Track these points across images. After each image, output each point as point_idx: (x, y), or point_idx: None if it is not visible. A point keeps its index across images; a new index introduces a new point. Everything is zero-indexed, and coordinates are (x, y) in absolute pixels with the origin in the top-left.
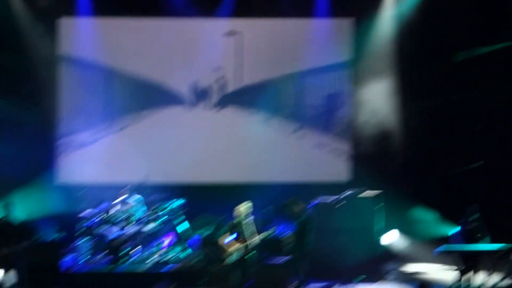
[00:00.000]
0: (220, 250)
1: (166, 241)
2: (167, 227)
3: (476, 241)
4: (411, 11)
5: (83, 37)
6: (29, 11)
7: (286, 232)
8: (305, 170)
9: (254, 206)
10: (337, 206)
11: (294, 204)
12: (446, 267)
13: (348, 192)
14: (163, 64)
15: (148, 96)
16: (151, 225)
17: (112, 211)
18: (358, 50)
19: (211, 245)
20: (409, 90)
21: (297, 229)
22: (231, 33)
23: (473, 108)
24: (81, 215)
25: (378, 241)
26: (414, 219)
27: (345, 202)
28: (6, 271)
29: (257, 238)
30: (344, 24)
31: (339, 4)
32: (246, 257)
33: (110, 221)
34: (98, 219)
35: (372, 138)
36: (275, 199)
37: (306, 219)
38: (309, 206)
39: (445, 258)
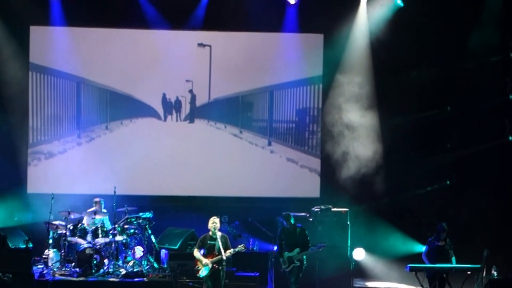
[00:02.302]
0: (190, 263)
1: (135, 253)
2: (135, 240)
3: (444, 259)
4: (381, 26)
5: (54, 46)
6: (1, 19)
7: (254, 246)
8: (275, 185)
9: (224, 220)
10: (310, 220)
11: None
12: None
13: (316, 208)
14: (133, 75)
15: (118, 107)
16: (120, 237)
17: (81, 223)
18: (329, 65)
19: (179, 258)
20: (381, 106)
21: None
22: (200, 46)
23: (443, 125)
24: (50, 225)
25: (350, 256)
26: (382, 236)
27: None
28: None
29: (227, 253)
30: (314, 40)
31: (309, 20)
32: (216, 271)
33: (79, 233)
34: (67, 230)
35: (342, 154)
36: (245, 213)
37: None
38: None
39: (414, 276)
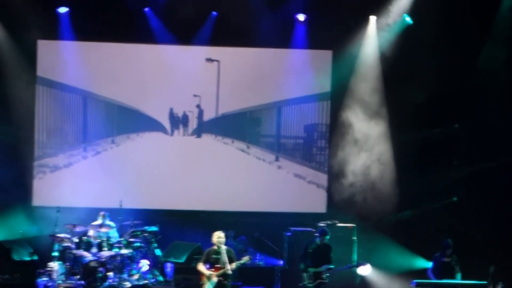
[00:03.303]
0: (196, 278)
1: (140, 267)
2: (141, 253)
3: (450, 276)
4: (390, 44)
5: (62, 60)
6: (9, 33)
7: (260, 261)
8: (282, 200)
9: (230, 234)
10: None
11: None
12: None
13: (323, 224)
14: (141, 89)
15: (124, 121)
16: (125, 251)
17: (86, 236)
18: (337, 82)
19: (185, 272)
20: (388, 123)
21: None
22: (208, 61)
23: (450, 142)
24: (55, 238)
25: (355, 272)
26: (388, 252)
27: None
28: None
29: (233, 266)
30: (323, 56)
31: (318, 36)
32: (221, 285)
33: (84, 246)
34: (72, 243)
35: (349, 170)
36: (251, 228)
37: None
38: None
39: None
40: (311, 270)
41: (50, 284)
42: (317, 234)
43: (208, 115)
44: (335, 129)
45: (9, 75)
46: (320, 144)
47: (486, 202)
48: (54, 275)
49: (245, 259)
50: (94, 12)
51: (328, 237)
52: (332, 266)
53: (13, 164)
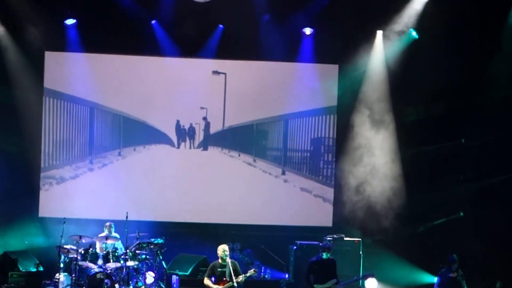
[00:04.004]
0: None
1: (146, 278)
2: (147, 265)
3: None
4: (396, 58)
5: (69, 71)
6: (16, 45)
7: (266, 274)
8: (288, 213)
9: (236, 247)
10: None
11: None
12: None
13: (329, 237)
14: (147, 102)
15: (131, 133)
16: (131, 263)
17: (92, 247)
18: (344, 96)
19: (191, 285)
20: (395, 138)
21: None
22: (215, 73)
23: (457, 157)
24: (62, 249)
25: (362, 286)
26: (394, 267)
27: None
28: None
29: (240, 279)
30: (330, 70)
31: (324, 51)
32: None
33: (90, 257)
34: (78, 254)
35: (356, 185)
36: (257, 241)
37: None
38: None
39: None
40: (318, 286)
41: None
42: (321, 249)
43: (214, 128)
44: (342, 143)
45: (17, 86)
46: (327, 157)
47: (492, 217)
48: (60, 286)
49: (251, 272)
50: (101, 24)
51: (330, 252)
52: (338, 281)
53: (20, 175)
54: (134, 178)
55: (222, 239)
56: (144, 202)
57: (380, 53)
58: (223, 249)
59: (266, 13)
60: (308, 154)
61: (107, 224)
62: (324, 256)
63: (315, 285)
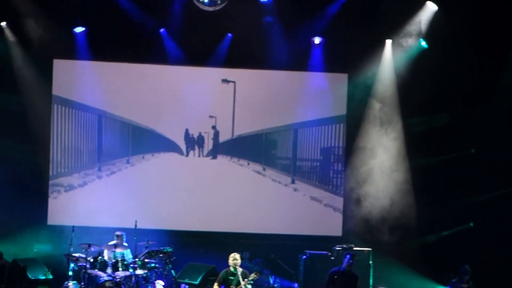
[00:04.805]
0: None
1: (155, 287)
2: (156, 274)
3: None
4: (406, 67)
5: (78, 79)
6: (25, 52)
7: (275, 283)
8: (298, 222)
9: (245, 256)
10: (332, 259)
11: None
12: None
13: (338, 247)
14: (156, 110)
15: (139, 141)
16: (140, 271)
17: (101, 256)
18: (353, 105)
19: None
20: (405, 147)
21: None
22: (224, 82)
23: (467, 167)
24: (71, 257)
25: None
26: (404, 277)
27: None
28: None
29: (244, 282)
30: (339, 79)
31: (333, 60)
32: None
33: (99, 265)
34: (87, 262)
35: (365, 194)
36: (267, 250)
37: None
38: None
39: None
40: None
41: None
42: (345, 260)
43: (224, 137)
44: (351, 152)
45: (26, 94)
46: (337, 167)
47: (503, 227)
48: None
49: (253, 275)
50: (110, 32)
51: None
52: None
53: (29, 182)
54: (142, 186)
55: (231, 248)
56: (153, 210)
57: (390, 62)
58: (234, 258)
59: (271, 18)
60: (318, 163)
61: (118, 233)
62: (346, 268)
63: None
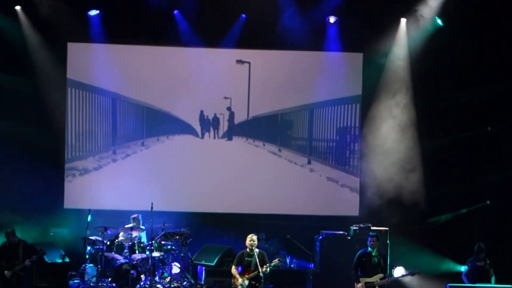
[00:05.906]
0: (227, 280)
1: (171, 269)
2: (172, 256)
3: (485, 279)
4: (421, 46)
5: (92, 62)
6: (40, 36)
7: (291, 263)
8: (314, 203)
9: (261, 237)
10: (349, 238)
11: None
12: None
13: (355, 227)
14: (171, 92)
15: (154, 124)
16: (156, 253)
17: (117, 238)
18: (368, 84)
19: (216, 275)
20: (420, 126)
21: None
22: (239, 63)
23: (483, 146)
24: (87, 240)
25: (390, 275)
26: (421, 256)
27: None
28: None
29: (264, 269)
30: (354, 58)
31: (348, 39)
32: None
33: (115, 248)
34: (104, 245)
35: (382, 174)
36: (283, 231)
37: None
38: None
39: None
40: (364, 280)
41: (82, 286)
42: (368, 241)
43: (239, 118)
44: (367, 132)
45: (40, 78)
46: (353, 147)
47: None
48: (86, 277)
49: (276, 261)
50: (124, 15)
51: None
52: (385, 276)
53: (45, 166)
54: (158, 169)
55: (248, 229)
56: (169, 193)
57: (405, 41)
58: (251, 239)
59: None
60: (334, 143)
61: (135, 215)
62: (372, 249)
63: (360, 279)
